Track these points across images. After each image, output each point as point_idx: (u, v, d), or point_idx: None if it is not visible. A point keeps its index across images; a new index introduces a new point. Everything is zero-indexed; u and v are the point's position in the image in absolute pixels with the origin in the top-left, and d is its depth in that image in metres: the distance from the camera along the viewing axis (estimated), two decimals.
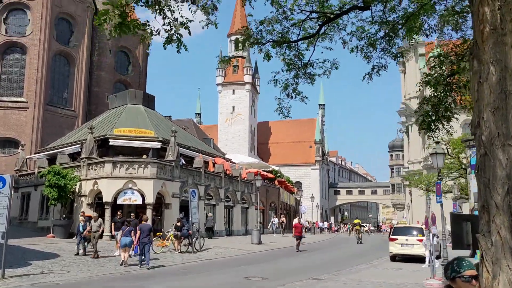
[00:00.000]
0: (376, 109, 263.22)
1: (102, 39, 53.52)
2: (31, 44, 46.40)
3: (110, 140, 27.91)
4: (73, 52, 49.97)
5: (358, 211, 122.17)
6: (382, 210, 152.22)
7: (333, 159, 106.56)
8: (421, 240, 19.22)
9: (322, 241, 36.34)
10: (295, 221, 27.55)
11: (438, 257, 21.78)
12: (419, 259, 18.33)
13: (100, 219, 18.07)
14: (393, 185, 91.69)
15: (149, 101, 35.33)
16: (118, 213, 21.08)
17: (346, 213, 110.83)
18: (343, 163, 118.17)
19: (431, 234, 14.65)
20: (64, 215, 26.86)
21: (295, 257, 21.58)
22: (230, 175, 34.87)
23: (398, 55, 8.85)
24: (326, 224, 65.05)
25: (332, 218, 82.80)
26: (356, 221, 42.21)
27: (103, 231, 19.27)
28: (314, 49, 7.91)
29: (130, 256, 16.24)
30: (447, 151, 40.12)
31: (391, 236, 20.26)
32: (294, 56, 8.05)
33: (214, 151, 40.21)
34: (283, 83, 8.19)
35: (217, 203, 32.50)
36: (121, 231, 16.50)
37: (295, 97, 8.26)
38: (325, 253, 23.08)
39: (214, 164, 33.56)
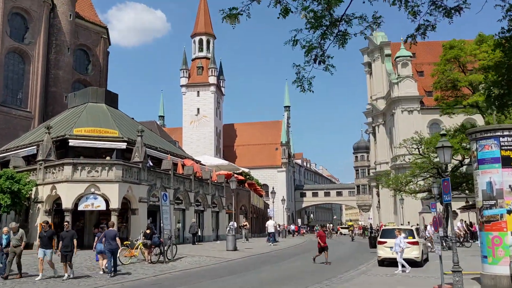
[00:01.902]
0: (338, 111, 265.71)
1: (59, 37, 50.58)
2: None
3: (69, 140, 25.55)
4: (28, 49, 46.86)
5: (323, 213, 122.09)
6: (346, 211, 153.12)
7: (299, 161, 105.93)
8: (412, 243, 18.03)
9: (298, 245, 34.93)
10: (317, 228, 25.55)
11: (426, 260, 20.85)
12: (411, 263, 17.07)
13: (21, 231, 14.49)
14: (358, 186, 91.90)
15: (112, 100, 32.99)
16: (43, 224, 16.73)
17: (312, 215, 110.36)
18: (308, 165, 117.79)
19: (433, 235, 13.33)
20: (19, 224, 24.28)
21: (277, 264, 19.99)
22: (200, 177, 33.02)
23: (454, 10, 7.06)
24: (293, 227, 63.83)
25: (299, 221, 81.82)
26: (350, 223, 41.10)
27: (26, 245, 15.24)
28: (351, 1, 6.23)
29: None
30: (418, 150, 39.65)
31: (379, 239, 18.95)
32: (322, 10, 6.30)
33: (183, 153, 38.23)
34: (306, 43, 6.48)
35: (187, 207, 30.55)
36: (96, 237, 15.96)
37: (323, 63, 6.54)
38: (306, 259, 21.63)
39: (183, 166, 31.62)
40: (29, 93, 46.53)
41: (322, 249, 19.10)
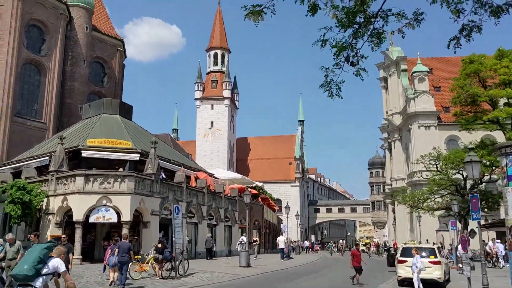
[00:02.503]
0: (354, 126, 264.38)
1: (75, 49, 50.88)
2: None
3: (82, 151, 25.23)
4: (45, 61, 47.11)
5: (337, 230, 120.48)
6: (360, 228, 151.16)
7: (312, 176, 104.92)
8: (434, 263, 17.21)
9: (313, 262, 34.02)
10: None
11: (448, 281, 19.94)
12: (433, 284, 16.25)
13: (18, 242, 13.66)
14: (373, 202, 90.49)
15: (126, 111, 32.75)
16: (31, 236, 15.29)
17: (325, 232, 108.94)
18: (322, 181, 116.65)
19: (458, 254, 12.57)
20: (28, 236, 23.91)
21: (294, 282, 19.24)
22: (213, 191, 32.46)
23: (503, 8, 6.24)
24: (307, 243, 62.75)
25: (313, 237, 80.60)
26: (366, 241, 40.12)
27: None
28: None
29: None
30: (436, 167, 38.73)
31: (400, 258, 18.14)
32: (355, 5, 5.71)
33: (196, 165, 37.77)
34: (337, 43, 5.91)
35: (199, 221, 29.95)
36: (109, 250, 15.54)
37: (357, 64, 5.96)
38: (323, 275, 20.86)
39: (196, 178, 31.11)
40: (44, 104, 46.66)
41: (357, 269, 17.90)
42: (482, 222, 37.62)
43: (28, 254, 6.23)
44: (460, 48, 6.43)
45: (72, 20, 50.84)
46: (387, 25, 5.84)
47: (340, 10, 5.83)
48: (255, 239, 34.27)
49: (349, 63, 6.02)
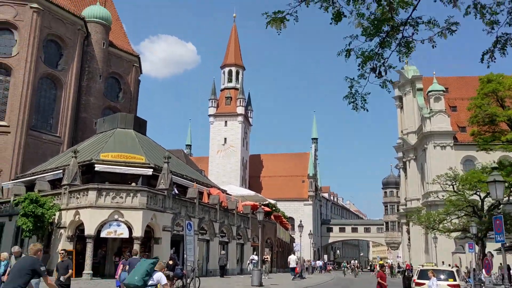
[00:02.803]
0: (368, 145, 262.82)
1: (92, 64, 51.39)
2: (16, 65, 43.97)
3: (96, 165, 25.15)
4: (61, 75, 47.59)
5: (350, 249, 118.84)
6: (373, 248, 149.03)
7: (325, 195, 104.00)
8: (453, 286, 16.64)
9: (327, 283, 33.33)
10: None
11: None
12: None
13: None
14: (387, 223, 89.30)
15: (140, 126, 32.76)
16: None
17: (338, 251, 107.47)
18: (335, 199, 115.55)
19: (482, 277, 12.06)
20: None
21: None
22: (225, 207, 32.12)
23: None
24: (320, 263, 61.74)
25: (325, 256, 79.49)
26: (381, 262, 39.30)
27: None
28: (418, 1, 5.34)
29: None
30: (453, 187, 37.99)
31: (417, 280, 17.60)
32: (382, 13, 5.40)
33: (209, 181, 37.53)
34: (364, 52, 5.62)
35: (211, 238, 29.58)
36: (121, 265, 15.32)
37: (384, 73, 5.67)
38: None
39: (209, 195, 30.83)
40: (59, 118, 47.00)
41: None
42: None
43: (138, 267, 7.59)
44: (494, 62, 6.10)
45: (90, 36, 51.45)
46: (417, 33, 5.55)
47: (366, 19, 5.56)
48: (265, 257, 33.27)
49: (376, 73, 5.73)
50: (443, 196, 41.63)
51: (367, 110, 6.04)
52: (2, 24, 44.80)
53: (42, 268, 5.96)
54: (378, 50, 5.67)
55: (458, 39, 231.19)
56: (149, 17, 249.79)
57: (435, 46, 5.50)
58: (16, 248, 13.14)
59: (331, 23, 5.61)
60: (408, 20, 5.43)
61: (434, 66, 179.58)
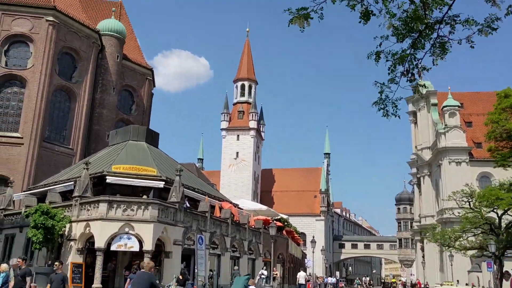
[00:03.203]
0: (381, 161, 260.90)
1: (106, 77, 51.67)
2: (31, 77, 44.29)
3: (107, 177, 24.94)
4: (75, 88, 47.83)
5: (362, 266, 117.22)
6: (385, 265, 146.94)
7: (338, 211, 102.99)
8: None
9: None
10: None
11: None
12: None
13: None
14: (400, 239, 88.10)
15: (152, 138, 32.60)
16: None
17: (350, 268, 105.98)
18: (347, 215, 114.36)
19: None
20: (49, 262, 23.49)
21: None
22: (237, 221, 31.68)
23: None
24: (333, 280, 60.71)
25: (337, 273, 78.30)
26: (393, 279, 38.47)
27: None
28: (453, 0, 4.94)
29: None
30: (469, 204, 37.23)
31: None
32: (415, 11, 4.99)
33: (221, 195, 37.15)
34: (395, 54, 5.24)
35: (222, 253, 29.10)
36: (128, 279, 15.29)
37: (419, 76, 5.30)
38: None
39: (220, 208, 30.44)
40: (72, 130, 47.12)
41: None
42: None
43: (236, 283, 8.20)
44: None
45: (104, 49, 51.80)
46: (453, 32, 5.14)
47: (398, 19, 5.17)
48: (274, 273, 31.74)
49: (408, 76, 5.34)
50: (459, 213, 40.85)
51: (399, 117, 5.65)
52: (18, 37, 45.28)
53: (157, 282, 6.50)
54: (411, 51, 5.29)
55: (473, 54, 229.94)
56: (163, 32, 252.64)
57: (474, 46, 5.09)
58: (14, 261, 12.83)
59: (360, 22, 5.23)
60: (444, 18, 5.02)
61: (448, 81, 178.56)
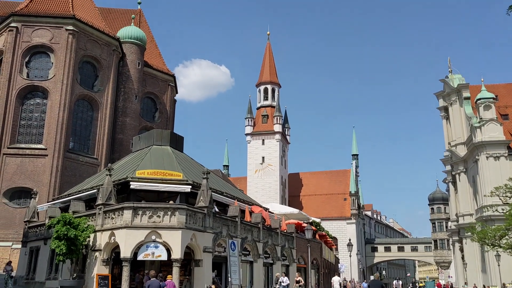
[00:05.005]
0: (409, 160, 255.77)
1: (127, 84, 50.94)
2: (53, 88, 43.85)
3: (131, 183, 23.66)
4: (97, 96, 47.20)
5: (396, 270, 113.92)
6: (419, 268, 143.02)
7: (368, 213, 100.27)
8: None
9: None
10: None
11: None
12: None
13: None
14: (435, 241, 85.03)
15: (177, 142, 31.35)
16: None
17: (384, 272, 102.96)
18: (378, 218, 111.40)
19: None
20: (75, 274, 22.31)
21: None
22: (269, 226, 30.05)
23: None
24: (366, 284, 58.36)
25: (371, 277, 75.73)
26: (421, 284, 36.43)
27: None
28: None
29: None
30: None
31: None
32: None
33: (250, 199, 35.61)
34: None
35: (255, 259, 27.45)
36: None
37: None
38: None
39: (251, 213, 28.88)
40: (96, 140, 46.45)
41: None
42: None
43: None
44: None
45: (125, 56, 51.15)
46: None
47: None
48: (297, 279, 28.10)
49: None
50: (503, 209, 38.44)
51: None
52: (38, 48, 45.01)
53: None
54: None
55: (503, 44, 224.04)
56: (182, 43, 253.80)
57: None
58: None
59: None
60: None
61: (479, 75, 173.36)
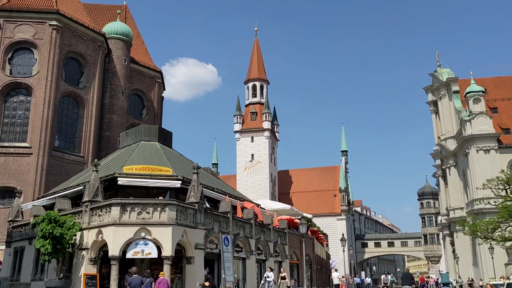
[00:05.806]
0: (399, 156, 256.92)
1: (114, 81, 49.91)
2: (37, 85, 42.68)
3: (119, 179, 22.85)
4: (83, 93, 46.11)
5: (386, 265, 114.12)
6: (409, 263, 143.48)
7: (358, 209, 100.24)
8: None
9: None
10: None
11: None
12: None
13: None
14: (425, 235, 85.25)
15: (165, 138, 30.55)
16: None
17: (374, 267, 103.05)
18: (368, 214, 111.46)
19: None
20: (61, 274, 21.46)
21: None
22: (261, 222, 29.44)
23: None
24: (369, 279, 58.44)
25: (363, 273, 75.60)
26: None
27: None
28: None
29: None
30: (506, 191, 34.69)
31: None
32: None
33: (241, 195, 34.96)
34: None
35: (247, 256, 26.81)
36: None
37: None
38: None
39: (242, 209, 28.24)
40: (82, 138, 45.36)
41: None
42: None
43: None
44: None
45: (111, 52, 50.11)
46: None
47: None
48: (282, 274, 26.98)
49: None
50: (495, 202, 38.30)
51: None
52: (21, 44, 43.77)
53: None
54: None
55: (490, 38, 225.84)
56: (168, 41, 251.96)
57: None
58: None
59: None
60: None
61: (467, 69, 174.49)
